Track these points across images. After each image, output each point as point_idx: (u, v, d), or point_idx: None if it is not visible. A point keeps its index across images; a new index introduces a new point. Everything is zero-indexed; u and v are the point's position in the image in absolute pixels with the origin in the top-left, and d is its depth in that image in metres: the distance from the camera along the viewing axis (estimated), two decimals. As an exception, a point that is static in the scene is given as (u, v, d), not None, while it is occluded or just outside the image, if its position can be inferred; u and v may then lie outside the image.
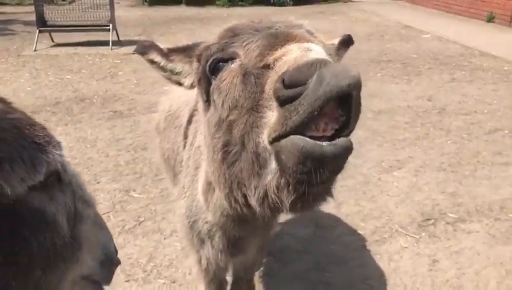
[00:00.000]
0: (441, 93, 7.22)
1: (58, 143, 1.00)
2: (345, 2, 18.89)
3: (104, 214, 3.83)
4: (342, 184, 4.39)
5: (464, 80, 7.92)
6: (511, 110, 6.48)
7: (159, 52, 1.66)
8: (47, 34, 10.46)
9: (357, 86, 1.05)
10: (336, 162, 1.13)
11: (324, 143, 1.09)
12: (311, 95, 1.04)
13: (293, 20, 1.46)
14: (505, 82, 7.79)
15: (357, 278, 3.24)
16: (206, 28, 12.16)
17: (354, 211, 4.03)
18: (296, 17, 1.51)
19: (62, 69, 8.63)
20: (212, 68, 1.41)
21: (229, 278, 2.77)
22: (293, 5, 17.54)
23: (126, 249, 3.51)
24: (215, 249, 2.07)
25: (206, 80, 1.45)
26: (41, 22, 10.04)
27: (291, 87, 1.08)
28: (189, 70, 1.64)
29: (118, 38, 10.66)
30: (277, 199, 1.24)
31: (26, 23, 12.81)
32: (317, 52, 1.16)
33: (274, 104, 1.16)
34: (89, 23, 10.47)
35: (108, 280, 1.31)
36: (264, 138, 1.19)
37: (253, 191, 1.29)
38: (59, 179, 1.02)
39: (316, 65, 1.06)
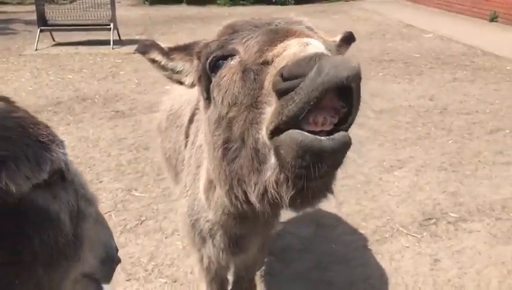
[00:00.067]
0: (442, 93, 7.21)
1: (62, 142, 1.00)
2: (347, 1, 18.88)
3: (105, 213, 3.85)
4: (343, 184, 4.39)
5: (465, 80, 7.91)
6: (512, 109, 6.48)
7: (160, 51, 1.67)
8: (48, 33, 10.48)
9: (356, 77, 1.05)
10: (335, 156, 1.13)
11: (323, 137, 1.09)
12: (309, 84, 1.04)
13: (293, 17, 1.46)
14: (507, 82, 7.78)
15: (359, 278, 3.25)
16: (207, 27, 12.15)
17: (355, 211, 4.03)
18: (297, 14, 1.51)
19: (63, 68, 8.65)
20: (212, 65, 1.41)
21: (230, 277, 2.77)
22: (294, 3, 17.54)
23: (127, 248, 3.51)
24: (216, 248, 2.08)
25: (206, 77, 1.45)
26: (43, 21, 10.06)
27: (290, 81, 1.08)
28: (189, 69, 1.64)
29: (119, 37, 10.66)
30: (276, 195, 1.24)
31: (27, 23, 12.82)
32: (317, 46, 1.16)
33: (273, 99, 1.16)
34: (90, 22, 10.49)
35: (109, 278, 1.32)
36: (263, 133, 1.19)
37: (253, 188, 1.29)
38: (62, 178, 1.02)
39: (315, 59, 1.06)
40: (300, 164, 1.11)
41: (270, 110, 1.18)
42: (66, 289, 1.06)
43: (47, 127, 1.00)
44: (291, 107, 1.07)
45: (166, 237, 3.66)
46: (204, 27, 12.50)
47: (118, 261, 1.34)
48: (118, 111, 6.44)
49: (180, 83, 1.69)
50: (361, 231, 3.75)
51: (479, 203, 4.12)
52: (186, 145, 2.23)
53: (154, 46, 1.67)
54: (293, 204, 1.26)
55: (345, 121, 1.14)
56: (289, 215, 3.75)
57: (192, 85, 1.65)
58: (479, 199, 4.19)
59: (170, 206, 3.99)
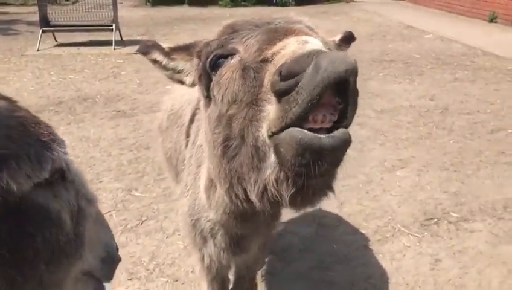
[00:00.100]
0: (443, 93, 7.21)
1: (62, 141, 1.01)
2: (347, 2, 18.89)
3: (106, 213, 3.85)
4: (344, 183, 4.40)
5: (466, 80, 7.91)
6: (514, 109, 6.47)
7: (161, 52, 1.67)
8: (50, 34, 10.51)
9: (354, 71, 1.05)
10: (335, 154, 1.13)
11: (322, 135, 1.09)
12: (310, 83, 1.04)
13: (293, 16, 1.46)
14: (507, 82, 7.77)
15: (360, 277, 3.24)
16: (209, 28, 12.16)
17: (357, 211, 4.03)
18: (298, 15, 1.52)
19: (65, 68, 8.66)
20: (212, 64, 1.42)
21: (231, 276, 2.77)
22: (295, 5, 17.55)
23: (128, 247, 3.52)
24: (217, 248, 2.08)
25: (207, 76, 1.46)
26: (45, 22, 10.09)
27: (289, 79, 1.08)
28: (190, 69, 1.65)
29: (121, 38, 10.68)
30: (276, 193, 1.24)
31: (30, 23, 12.86)
32: (315, 44, 1.17)
33: (273, 97, 1.16)
34: (92, 23, 10.52)
35: (109, 277, 1.32)
36: (263, 131, 1.20)
37: (253, 186, 1.29)
38: (63, 177, 1.03)
39: (312, 56, 1.06)
40: (300, 162, 1.12)
41: (269, 108, 1.18)
42: (67, 287, 1.06)
43: (48, 126, 1.00)
44: (295, 109, 1.08)
45: (167, 237, 3.66)
46: (206, 28, 12.51)
47: (118, 260, 1.35)
48: (119, 111, 6.44)
49: (181, 82, 1.70)
50: (363, 231, 3.75)
51: (480, 203, 4.11)
52: (186, 145, 2.23)
53: (155, 46, 1.68)
54: (293, 203, 1.25)
55: (344, 118, 1.14)
56: (290, 214, 3.76)
57: (193, 84, 1.65)
58: (480, 199, 4.19)
59: (171, 206, 4.00)
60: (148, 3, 18.80)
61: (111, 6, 10.31)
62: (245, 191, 1.35)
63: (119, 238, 3.57)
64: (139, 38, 11.00)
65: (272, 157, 1.21)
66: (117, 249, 1.35)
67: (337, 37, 1.80)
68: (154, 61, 1.68)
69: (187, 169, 2.15)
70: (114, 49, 10.05)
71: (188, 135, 2.24)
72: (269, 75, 1.19)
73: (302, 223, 3.84)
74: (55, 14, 10.48)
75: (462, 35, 11.43)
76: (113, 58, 9.46)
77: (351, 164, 4.75)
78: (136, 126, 5.88)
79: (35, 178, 0.90)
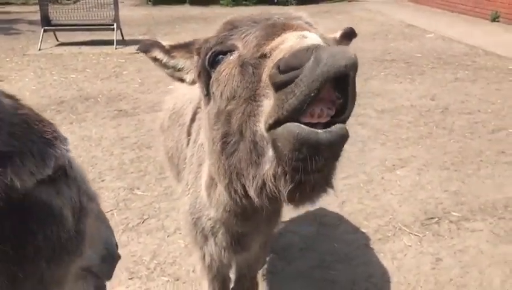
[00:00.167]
0: (444, 93, 7.20)
1: (65, 139, 1.01)
2: (350, 1, 18.87)
3: (108, 211, 3.86)
4: (345, 183, 4.40)
5: (467, 80, 7.90)
6: (515, 109, 6.46)
7: (161, 50, 1.68)
8: (52, 33, 10.52)
9: (354, 66, 1.05)
10: (332, 149, 1.13)
11: (320, 130, 1.09)
12: (309, 76, 1.04)
13: (292, 12, 1.46)
14: (509, 81, 7.76)
15: (361, 276, 3.25)
16: (210, 28, 11.99)
17: (357, 210, 4.03)
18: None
19: (67, 68, 8.68)
20: (211, 61, 1.42)
21: (232, 275, 2.78)
22: (296, 4, 17.52)
23: (130, 246, 3.53)
24: (218, 246, 2.08)
25: (206, 73, 1.46)
26: (46, 22, 10.10)
27: (287, 73, 1.09)
28: (190, 66, 1.65)
29: (122, 37, 10.69)
30: (275, 188, 1.24)
31: (31, 23, 12.88)
32: (313, 38, 1.17)
33: (270, 92, 1.17)
34: (93, 22, 10.53)
35: (109, 274, 1.33)
36: (261, 126, 1.20)
37: (251, 181, 1.29)
38: (66, 174, 1.04)
39: (311, 50, 1.06)
40: (298, 156, 1.12)
41: (267, 103, 1.18)
42: (67, 284, 1.07)
43: (51, 124, 1.01)
44: (291, 100, 1.08)
45: (168, 236, 3.67)
46: (207, 27, 12.50)
47: (118, 257, 1.36)
48: (120, 110, 6.46)
49: (182, 80, 1.70)
50: (364, 230, 3.76)
51: (481, 203, 4.11)
52: (188, 144, 2.24)
53: (155, 44, 1.68)
54: (291, 198, 1.26)
55: (341, 113, 1.14)
56: (291, 213, 3.76)
57: (193, 82, 1.66)
58: (481, 198, 4.19)
59: (172, 205, 4.01)
60: (149, 3, 18.80)
61: (112, 6, 10.31)
62: (244, 186, 1.35)
63: (121, 237, 3.58)
64: (140, 37, 11.00)
65: (270, 153, 1.21)
66: (117, 246, 1.35)
67: (338, 34, 1.80)
68: (155, 59, 1.69)
69: (188, 168, 2.16)
70: (115, 48, 10.06)
71: (189, 134, 2.24)
72: (267, 70, 1.19)
73: (303, 222, 3.85)
74: (57, 13, 10.48)
75: (464, 34, 11.41)
76: (115, 57, 9.47)
77: (351, 163, 4.76)
78: (137, 125, 5.89)
79: (39, 175, 0.91)
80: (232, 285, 2.79)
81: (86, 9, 10.73)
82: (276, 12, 1.46)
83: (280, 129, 1.13)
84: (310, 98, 1.06)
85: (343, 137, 1.13)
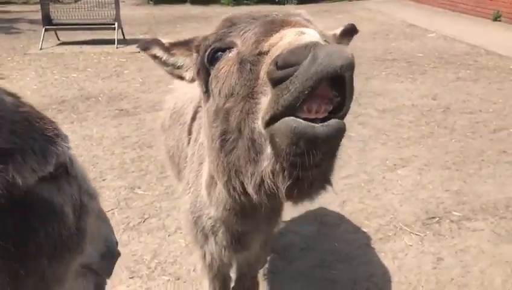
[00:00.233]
0: (445, 92, 7.19)
1: (66, 136, 1.02)
2: (350, 1, 18.84)
3: (109, 211, 3.86)
4: (346, 182, 4.40)
5: (469, 79, 7.89)
6: (516, 109, 6.46)
7: (161, 47, 1.68)
8: (53, 32, 10.52)
9: (350, 67, 1.05)
10: (329, 143, 1.13)
11: (316, 124, 1.09)
12: (304, 73, 1.04)
13: (291, 10, 1.46)
14: (510, 81, 7.75)
15: (362, 276, 3.25)
16: (211, 27, 12.08)
17: (358, 209, 4.03)
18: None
19: (68, 67, 8.68)
20: (210, 58, 1.42)
21: (233, 274, 2.78)
22: (297, 3, 17.51)
23: (130, 246, 3.53)
24: (218, 245, 2.08)
25: (205, 70, 1.46)
26: (47, 21, 10.10)
27: (284, 69, 1.09)
28: (190, 64, 1.65)
29: (124, 36, 10.69)
30: (273, 185, 1.24)
31: (32, 22, 12.89)
32: (312, 35, 1.16)
33: (268, 89, 1.17)
34: (94, 21, 10.52)
35: (109, 272, 1.34)
36: (259, 123, 1.20)
37: (250, 178, 1.29)
38: (67, 172, 1.04)
39: (309, 47, 1.06)
40: (295, 151, 1.12)
41: (265, 100, 1.18)
42: (68, 281, 1.07)
43: (52, 122, 1.01)
44: (286, 96, 1.08)
45: (169, 235, 3.67)
46: (208, 26, 12.31)
47: (118, 255, 1.36)
48: (121, 110, 6.46)
49: (181, 78, 1.70)
50: (365, 230, 3.76)
51: (482, 202, 4.11)
52: (189, 143, 2.24)
53: (155, 42, 1.69)
54: (289, 195, 1.26)
55: (339, 110, 1.14)
56: (292, 213, 3.77)
57: (192, 80, 1.66)
58: (482, 198, 4.18)
59: (173, 204, 4.01)
60: (150, 2, 18.80)
61: (113, 5, 10.32)
62: (242, 184, 1.35)
63: (121, 237, 3.58)
64: (141, 36, 11.00)
65: (268, 150, 1.21)
66: (117, 244, 1.36)
67: (338, 30, 1.79)
68: (154, 57, 1.69)
69: (189, 167, 2.16)
70: (117, 47, 10.06)
71: (190, 133, 2.24)
72: (265, 68, 1.19)
73: (304, 222, 3.84)
74: (58, 12, 10.49)
75: (466, 34, 11.39)
76: (116, 56, 9.48)
77: (352, 163, 4.75)
78: (138, 125, 5.89)
79: (40, 172, 0.91)
80: (232, 284, 2.79)
81: (87, 8, 10.74)
82: (275, 9, 1.46)
83: (277, 124, 1.13)
84: (304, 96, 1.06)
85: (340, 131, 1.13)
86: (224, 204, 1.72)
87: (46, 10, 10.10)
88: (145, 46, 1.68)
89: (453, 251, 3.49)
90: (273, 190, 1.25)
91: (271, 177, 1.23)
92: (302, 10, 1.47)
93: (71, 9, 10.72)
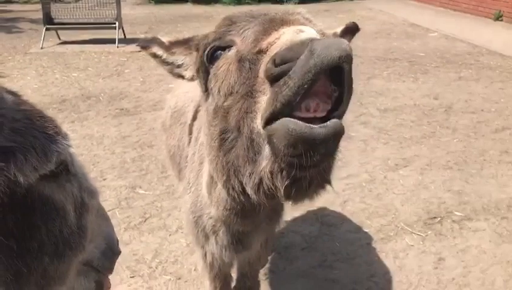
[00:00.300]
0: (447, 92, 7.18)
1: (66, 134, 1.02)
2: (352, 0, 18.83)
3: (110, 210, 3.86)
4: (348, 182, 4.39)
5: (471, 79, 7.87)
6: (518, 108, 6.44)
7: (161, 46, 1.68)
8: (54, 32, 10.52)
9: (348, 58, 1.04)
10: (327, 144, 1.12)
11: (314, 125, 1.08)
12: (302, 67, 1.03)
13: (291, 9, 1.46)
14: (512, 80, 7.74)
15: (363, 276, 3.24)
16: (212, 27, 12.13)
17: (360, 209, 4.02)
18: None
19: (68, 66, 8.68)
20: (209, 57, 1.42)
21: (234, 274, 2.78)
22: (298, 2, 17.49)
23: (132, 245, 3.52)
24: (219, 245, 2.08)
25: (204, 68, 1.46)
26: (48, 20, 10.10)
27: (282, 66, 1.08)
28: (189, 63, 1.65)
29: (124, 36, 10.70)
30: (271, 185, 1.23)
31: (33, 21, 12.89)
32: (310, 33, 1.16)
33: (267, 87, 1.16)
34: (95, 21, 10.52)
35: (110, 269, 1.34)
36: (258, 122, 1.19)
37: (248, 178, 1.29)
38: (67, 170, 1.04)
39: (307, 43, 1.05)
40: (293, 152, 1.11)
41: (264, 99, 1.17)
42: (69, 279, 1.08)
43: (52, 120, 1.02)
44: (285, 92, 1.07)
45: (170, 235, 3.67)
46: (209, 26, 12.31)
47: (118, 252, 1.37)
48: (122, 109, 6.46)
49: (181, 77, 1.69)
50: (366, 229, 3.75)
51: (484, 202, 4.10)
52: (189, 142, 2.23)
53: (155, 40, 1.68)
54: (288, 195, 1.25)
55: (338, 105, 1.13)
56: (293, 213, 3.76)
57: (192, 78, 1.65)
58: (484, 198, 4.17)
59: (174, 204, 4.01)
60: (151, 1, 18.79)
61: (114, 4, 10.33)
62: (241, 183, 1.35)
63: (122, 236, 3.58)
64: (142, 36, 10.95)
65: (267, 149, 1.20)
66: (117, 242, 1.36)
67: (339, 29, 1.79)
68: (154, 56, 1.69)
69: (190, 166, 2.15)
70: (117, 47, 10.06)
71: (190, 132, 2.24)
72: (264, 66, 1.18)
73: (305, 222, 3.84)
74: (59, 12, 10.49)
75: (467, 33, 11.37)
76: (117, 56, 9.48)
77: (354, 163, 4.75)
78: (139, 124, 5.89)
79: (42, 170, 0.92)
80: (233, 284, 2.79)
81: (88, 7, 10.74)
82: (276, 8, 1.45)
83: (275, 125, 1.12)
84: (304, 90, 1.05)
85: (338, 132, 1.12)
86: (224, 204, 1.72)
87: (47, 9, 10.10)
88: (145, 44, 1.68)
89: (455, 251, 3.48)
90: (272, 189, 1.25)
91: (269, 177, 1.22)
92: (302, 9, 1.46)
93: (72, 9, 10.72)
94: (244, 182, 1.32)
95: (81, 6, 10.85)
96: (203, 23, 13.47)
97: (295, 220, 3.83)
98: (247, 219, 1.79)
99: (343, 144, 1.23)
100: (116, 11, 10.31)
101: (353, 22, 1.80)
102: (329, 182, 1.33)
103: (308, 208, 3.85)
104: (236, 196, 1.42)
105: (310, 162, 1.12)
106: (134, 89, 7.38)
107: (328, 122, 1.10)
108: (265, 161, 1.22)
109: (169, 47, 1.67)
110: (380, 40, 10.90)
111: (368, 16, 14.64)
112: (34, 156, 0.89)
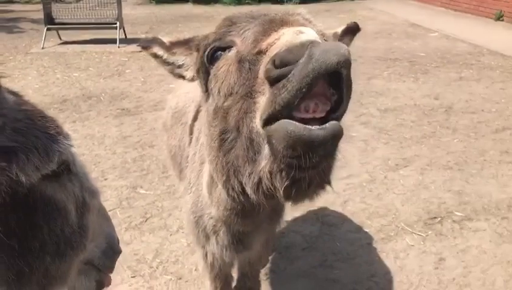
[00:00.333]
0: (448, 92, 7.18)
1: (68, 134, 1.03)
2: (352, 0, 18.81)
3: (111, 210, 3.86)
4: (348, 182, 4.40)
5: (471, 79, 7.87)
6: (519, 108, 6.44)
7: (162, 46, 1.68)
8: (55, 32, 10.53)
9: (346, 63, 1.05)
10: (326, 146, 1.13)
11: (313, 127, 1.09)
12: (301, 71, 1.04)
13: (291, 9, 1.46)
14: (513, 81, 7.74)
15: (363, 276, 3.24)
16: (213, 27, 12.14)
17: (360, 209, 4.02)
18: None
19: (69, 66, 8.69)
20: (209, 57, 1.42)
21: (234, 274, 2.78)
22: (298, 3, 17.48)
23: (132, 245, 3.53)
24: (220, 245, 2.08)
25: (205, 69, 1.46)
26: (49, 20, 10.11)
27: (282, 68, 1.09)
28: (190, 63, 1.65)
29: (125, 36, 10.70)
30: (271, 185, 1.24)
31: (34, 21, 12.90)
32: (309, 34, 1.16)
33: (267, 88, 1.17)
34: (96, 21, 10.53)
35: (110, 269, 1.34)
36: (257, 122, 1.20)
37: (248, 178, 1.29)
38: (69, 169, 1.04)
39: (307, 46, 1.06)
40: (292, 153, 1.12)
41: (263, 99, 1.18)
42: (71, 278, 1.08)
43: (54, 120, 1.02)
44: (284, 94, 1.08)
45: (171, 234, 3.67)
46: (210, 26, 12.33)
47: (119, 251, 1.37)
48: (123, 109, 6.46)
49: (182, 77, 1.70)
50: (366, 229, 3.75)
51: (484, 202, 4.10)
52: (190, 142, 2.24)
53: (155, 40, 1.69)
54: (287, 195, 1.25)
55: (337, 107, 1.14)
56: (294, 213, 3.77)
57: (192, 79, 1.65)
58: (484, 198, 4.17)
59: (175, 204, 4.01)
60: (152, 1, 18.79)
61: (115, 4, 10.34)
62: (241, 184, 1.35)
63: (123, 236, 3.58)
64: (143, 36, 10.99)
65: (266, 150, 1.21)
66: (118, 241, 1.37)
67: (340, 29, 1.79)
68: (155, 56, 1.69)
69: (190, 166, 2.16)
70: (118, 47, 10.07)
71: (191, 133, 2.24)
72: (263, 67, 1.19)
73: (306, 222, 3.84)
74: (60, 12, 10.49)
75: (468, 33, 11.36)
76: (118, 56, 9.48)
77: (354, 163, 4.75)
78: (140, 124, 5.90)
79: (44, 170, 0.92)
80: (234, 283, 2.79)
81: (89, 8, 10.75)
82: (276, 9, 1.46)
83: (274, 126, 1.13)
84: (302, 93, 1.06)
85: (337, 134, 1.12)
86: (224, 204, 1.72)
87: (48, 9, 10.11)
88: (146, 44, 1.68)
89: (455, 251, 3.48)
90: (271, 190, 1.25)
91: (268, 177, 1.23)
92: (302, 9, 1.46)
93: (73, 9, 10.72)
94: (243, 182, 1.33)
95: (82, 6, 10.86)
96: (204, 23, 13.48)
97: (296, 220, 3.84)
98: (247, 219, 1.79)
99: (343, 144, 1.23)
100: (117, 11, 10.31)
101: (354, 22, 1.80)
102: (329, 183, 1.33)
103: (308, 208, 3.86)
104: (236, 196, 1.43)
105: (309, 164, 1.12)
106: (135, 89, 7.39)
107: (327, 124, 1.10)
108: (264, 160, 1.23)
109: (170, 47, 1.68)
110: (380, 40, 10.89)
111: (368, 16, 14.63)
112: (36, 155, 0.90)
